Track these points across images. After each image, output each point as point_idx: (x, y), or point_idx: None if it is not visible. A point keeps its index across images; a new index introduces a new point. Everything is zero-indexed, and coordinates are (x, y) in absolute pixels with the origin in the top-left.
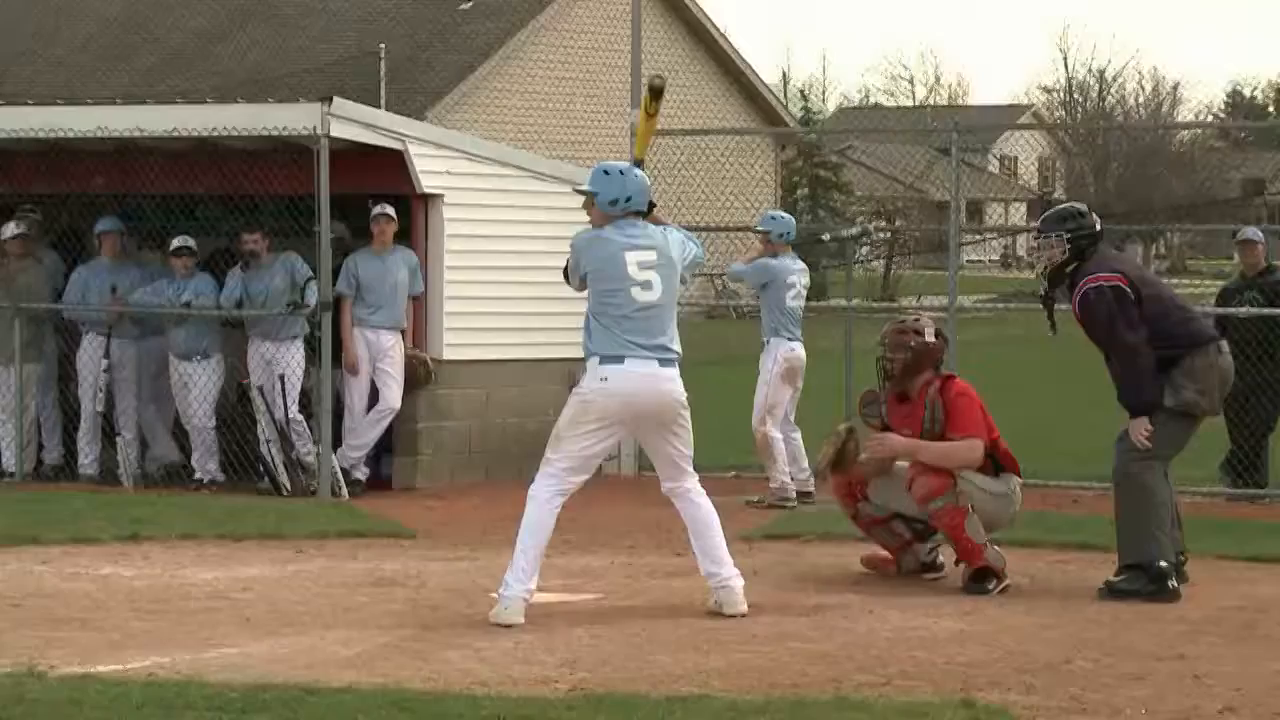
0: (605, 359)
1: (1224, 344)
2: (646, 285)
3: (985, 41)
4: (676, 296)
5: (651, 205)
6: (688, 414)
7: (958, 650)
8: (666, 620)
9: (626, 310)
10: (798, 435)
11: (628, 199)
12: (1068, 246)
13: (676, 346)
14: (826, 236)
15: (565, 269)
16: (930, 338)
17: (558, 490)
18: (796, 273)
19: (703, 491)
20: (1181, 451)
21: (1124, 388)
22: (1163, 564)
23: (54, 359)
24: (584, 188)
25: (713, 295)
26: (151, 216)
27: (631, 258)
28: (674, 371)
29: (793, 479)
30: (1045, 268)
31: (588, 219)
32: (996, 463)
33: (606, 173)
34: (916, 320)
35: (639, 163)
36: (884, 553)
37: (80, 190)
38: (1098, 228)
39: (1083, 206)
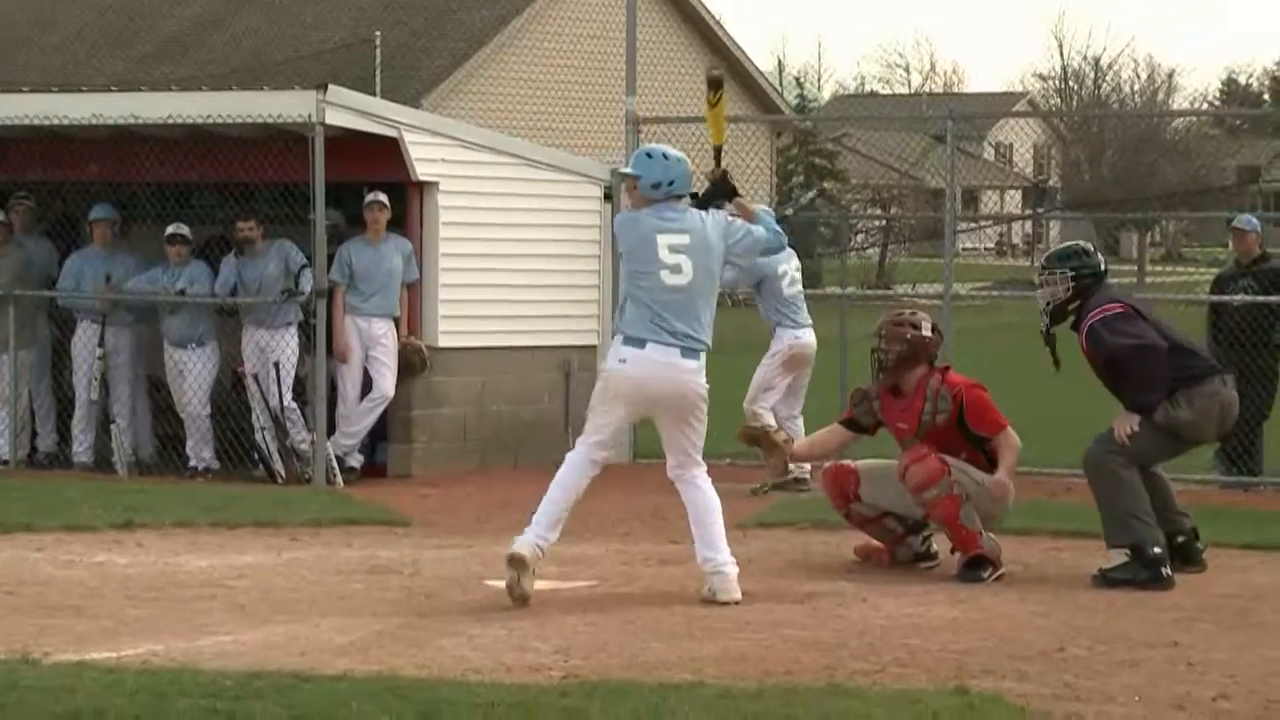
0: (629, 340)
1: (1229, 377)
2: (676, 269)
3: (981, 29)
4: (715, 281)
5: (734, 191)
6: (705, 406)
7: (951, 638)
8: (660, 608)
9: (656, 294)
10: (800, 423)
11: (670, 183)
12: (1071, 284)
13: (705, 336)
14: (790, 211)
15: None
16: (927, 332)
17: (588, 459)
18: (784, 261)
19: (708, 479)
20: (1156, 463)
21: (1132, 383)
22: (1156, 550)
23: (47, 346)
24: (627, 171)
25: None
26: (146, 204)
27: (663, 240)
28: (696, 363)
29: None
30: (1048, 305)
31: (581, 207)
32: (990, 457)
33: (649, 156)
34: (914, 314)
35: (719, 149)
36: (877, 542)
37: (75, 177)
38: (1102, 266)
39: (1088, 245)
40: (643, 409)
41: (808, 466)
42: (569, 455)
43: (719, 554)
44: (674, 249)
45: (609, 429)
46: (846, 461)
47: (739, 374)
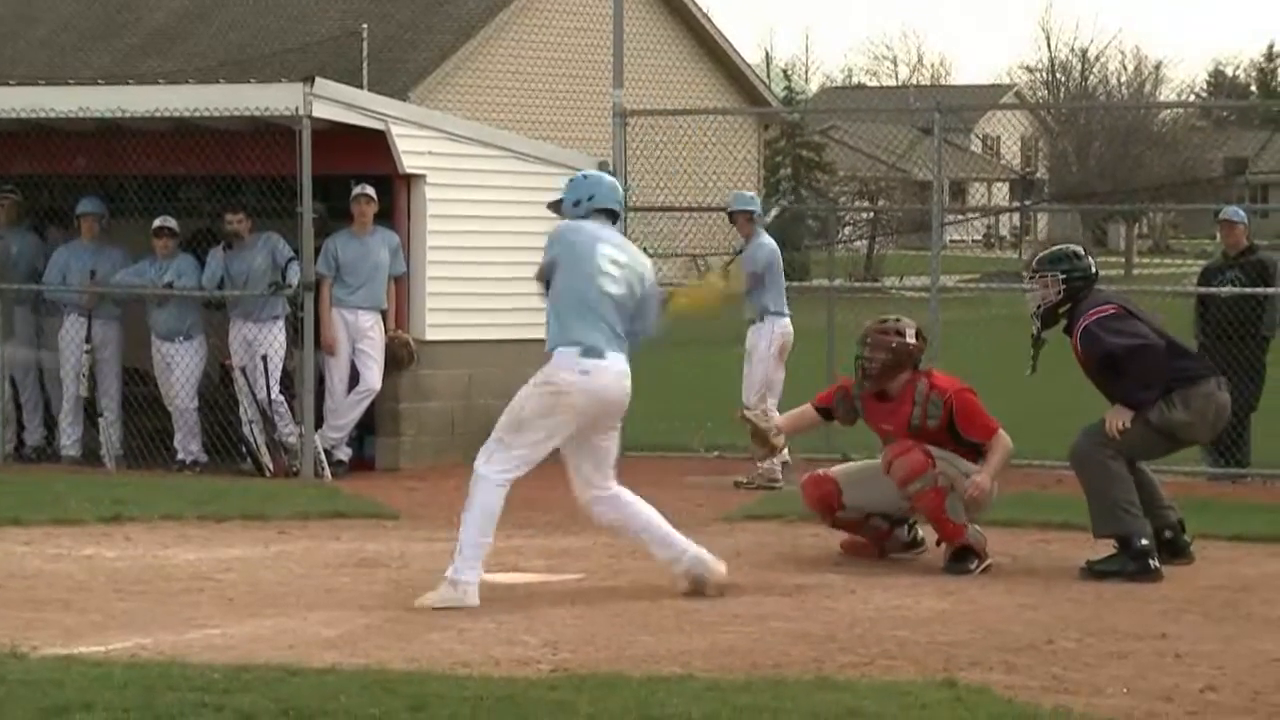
0: (588, 351)
1: (1223, 380)
2: (613, 279)
3: (968, 22)
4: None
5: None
6: None
7: (940, 630)
8: (649, 601)
9: (601, 300)
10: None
11: (590, 198)
12: (1063, 287)
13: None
14: (768, 219)
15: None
16: (911, 339)
17: (509, 476)
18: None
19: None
20: (1145, 460)
21: (1131, 379)
22: (1143, 541)
23: (33, 339)
24: (551, 202)
25: (695, 276)
26: (133, 197)
27: (603, 249)
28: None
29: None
30: (1039, 307)
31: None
32: (981, 453)
33: (570, 180)
34: (898, 321)
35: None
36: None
37: (62, 171)
38: (1093, 270)
39: (1079, 248)
40: (588, 424)
41: (785, 454)
42: (484, 473)
43: (686, 548)
44: (612, 260)
45: (545, 447)
46: (822, 472)
47: (724, 368)
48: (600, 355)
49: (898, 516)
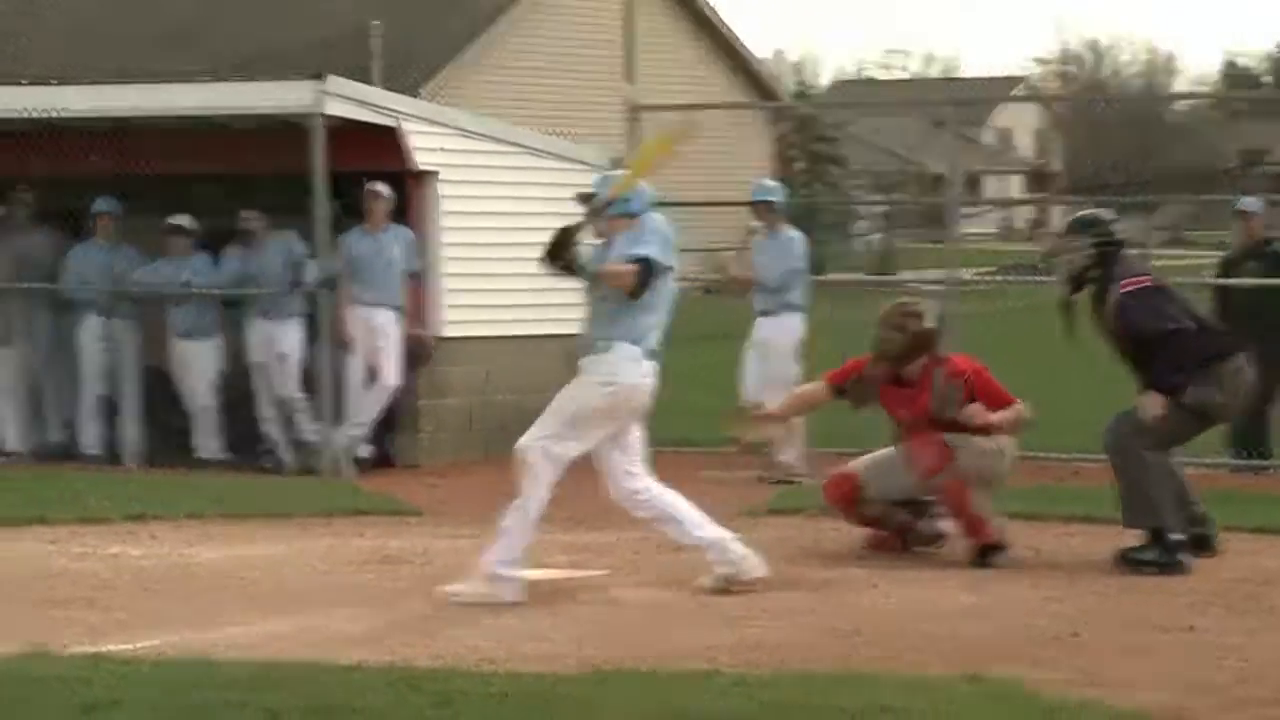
0: (651, 354)
1: (1249, 354)
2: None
3: (980, 13)
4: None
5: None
6: None
7: (965, 624)
8: (674, 596)
9: (667, 306)
10: None
11: (626, 200)
12: (1092, 251)
13: None
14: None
15: (645, 269)
16: (930, 322)
17: (559, 476)
18: None
19: None
20: (1180, 443)
21: (1163, 363)
22: (1176, 536)
23: (52, 338)
24: (587, 191)
25: (711, 271)
26: (149, 196)
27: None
28: None
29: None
30: (1067, 272)
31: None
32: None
33: (605, 178)
34: (917, 304)
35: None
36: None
37: (76, 171)
38: (1121, 236)
39: (1107, 213)
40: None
41: (798, 443)
42: (545, 479)
43: (720, 537)
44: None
45: (591, 446)
46: (840, 470)
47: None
48: (652, 359)
49: (919, 506)
